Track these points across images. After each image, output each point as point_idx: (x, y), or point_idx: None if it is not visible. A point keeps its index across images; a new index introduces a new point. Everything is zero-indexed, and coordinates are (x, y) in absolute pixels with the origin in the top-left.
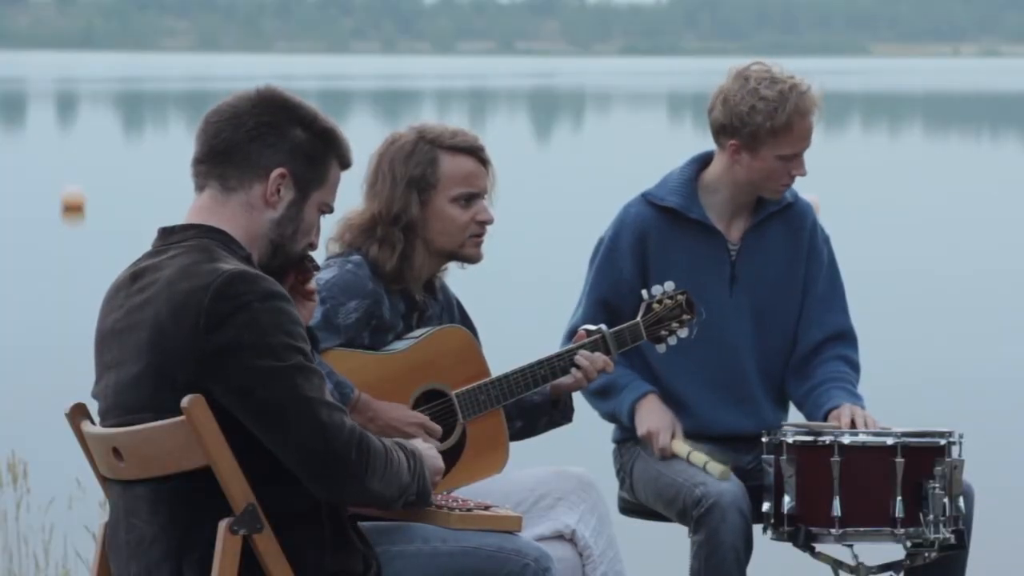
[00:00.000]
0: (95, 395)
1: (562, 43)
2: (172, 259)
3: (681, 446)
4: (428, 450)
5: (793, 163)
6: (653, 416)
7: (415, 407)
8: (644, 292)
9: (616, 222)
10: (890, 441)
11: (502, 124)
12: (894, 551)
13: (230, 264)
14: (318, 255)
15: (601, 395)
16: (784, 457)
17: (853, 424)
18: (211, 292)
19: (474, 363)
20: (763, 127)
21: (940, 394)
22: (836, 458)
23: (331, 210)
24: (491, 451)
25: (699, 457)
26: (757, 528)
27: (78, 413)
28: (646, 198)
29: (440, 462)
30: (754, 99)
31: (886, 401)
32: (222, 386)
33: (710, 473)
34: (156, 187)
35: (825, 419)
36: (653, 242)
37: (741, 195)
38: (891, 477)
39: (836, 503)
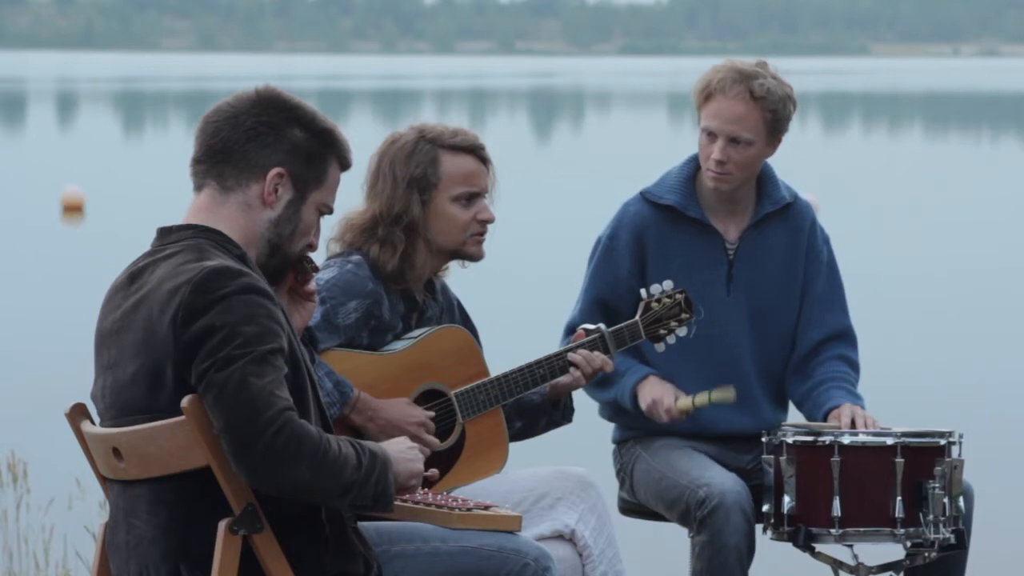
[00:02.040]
0: (93, 396)
1: (562, 43)
2: (167, 259)
3: (685, 402)
4: (404, 453)
5: (713, 144)
6: (654, 388)
7: None
8: (643, 291)
9: (614, 220)
10: (890, 441)
11: (502, 124)
12: (894, 551)
13: (215, 260)
14: (318, 255)
15: (602, 384)
16: (784, 457)
17: (853, 424)
18: (191, 287)
19: (473, 363)
20: (694, 93)
21: (940, 394)
22: (836, 458)
23: (330, 211)
24: (490, 451)
25: (703, 398)
26: (757, 528)
27: (78, 413)
28: (645, 196)
29: (418, 465)
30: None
31: (886, 401)
32: (193, 372)
33: (722, 402)
34: (156, 187)
35: (825, 419)
36: (651, 240)
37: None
38: (891, 477)
39: (836, 503)
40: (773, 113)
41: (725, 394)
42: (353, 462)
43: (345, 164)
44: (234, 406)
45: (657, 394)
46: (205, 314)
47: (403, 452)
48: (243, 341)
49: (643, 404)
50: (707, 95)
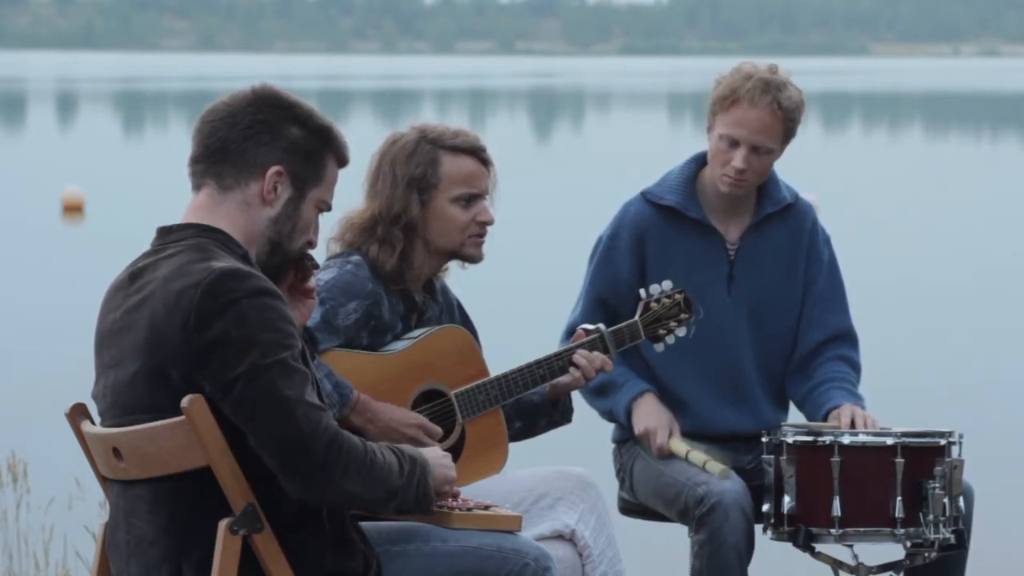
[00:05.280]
0: (94, 396)
1: (562, 43)
2: (169, 258)
3: (679, 445)
4: (440, 459)
5: (734, 152)
6: (650, 415)
7: (414, 407)
8: (642, 291)
9: (615, 220)
10: (890, 441)
11: (502, 124)
12: (894, 551)
13: (223, 262)
14: (318, 254)
15: (599, 393)
16: (784, 457)
17: (853, 424)
18: (201, 289)
19: (473, 363)
20: (715, 97)
21: (940, 394)
22: (836, 458)
23: (329, 208)
24: (490, 451)
25: (698, 456)
26: (757, 528)
27: (78, 413)
28: (645, 196)
29: (452, 472)
30: (725, 76)
31: (886, 401)
32: (209, 382)
33: (710, 472)
34: (156, 187)
35: (825, 419)
36: (652, 241)
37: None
38: (891, 477)
39: (836, 503)
40: (792, 122)
41: (721, 470)
42: (396, 468)
43: (343, 161)
44: (276, 424)
45: (652, 424)
46: (219, 319)
47: (438, 459)
48: (264, 350)
49: (636, 429)
50: (732, 101)
